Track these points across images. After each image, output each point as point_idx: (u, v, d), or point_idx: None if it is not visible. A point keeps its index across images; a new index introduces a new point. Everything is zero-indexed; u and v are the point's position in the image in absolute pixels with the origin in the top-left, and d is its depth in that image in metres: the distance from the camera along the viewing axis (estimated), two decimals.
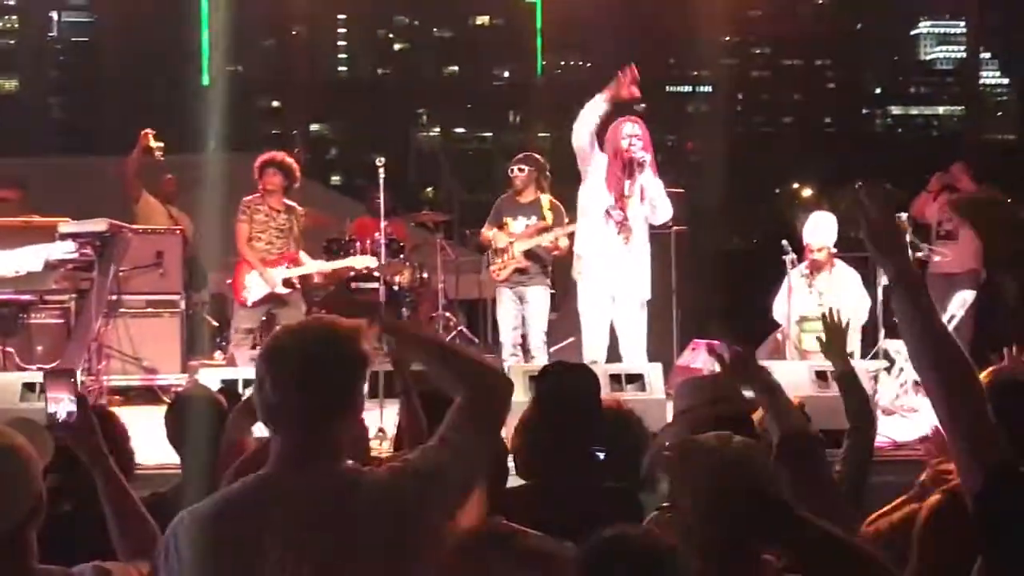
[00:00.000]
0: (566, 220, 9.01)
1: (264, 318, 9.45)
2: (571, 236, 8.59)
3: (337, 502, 2.50)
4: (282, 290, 9.19)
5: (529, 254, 9.07)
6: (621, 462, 3.75)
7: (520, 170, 9.26)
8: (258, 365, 2.61)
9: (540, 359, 8.88)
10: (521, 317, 9.11)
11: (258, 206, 9.28)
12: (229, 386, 6.54)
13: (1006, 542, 2.57)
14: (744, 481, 2.52)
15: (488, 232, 9.32)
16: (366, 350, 2.65)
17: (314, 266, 9.48)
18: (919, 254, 9.24)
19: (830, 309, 8.60)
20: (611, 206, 7.85)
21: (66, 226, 8.55)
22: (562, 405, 3.88)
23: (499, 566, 2.74)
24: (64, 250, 8.24)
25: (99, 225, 8.54)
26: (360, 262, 9.83)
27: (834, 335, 4.25)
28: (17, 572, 2.60)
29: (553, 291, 9.33)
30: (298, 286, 9.43)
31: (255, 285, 9.20)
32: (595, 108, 7.81)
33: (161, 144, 10.26)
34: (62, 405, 2.96)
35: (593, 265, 7.99)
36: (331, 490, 2.52)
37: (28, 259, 7.98)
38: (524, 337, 9.10)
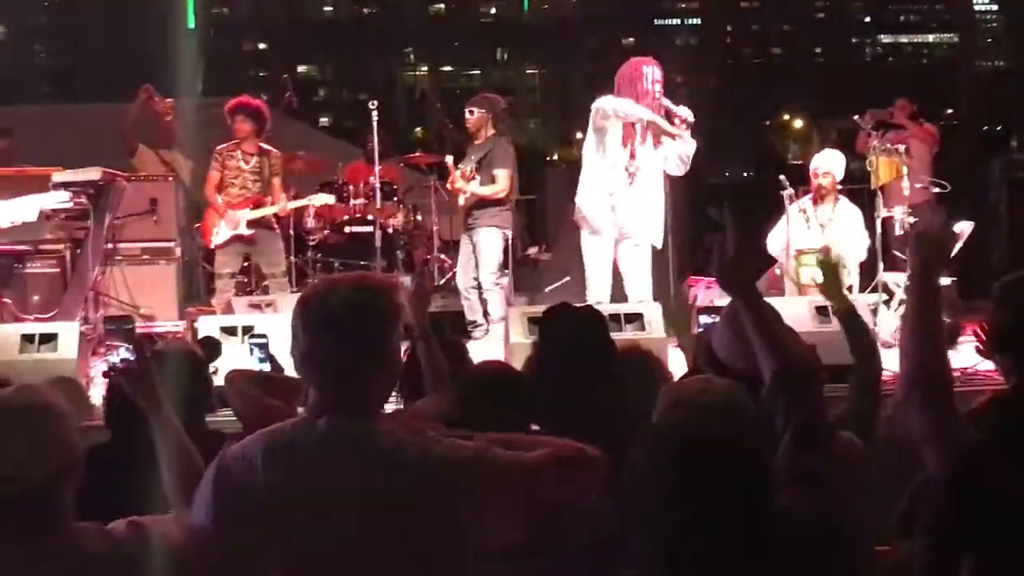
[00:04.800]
0: (503, 164, 8.92)
1: (246, 263, 9.54)
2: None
3: (355, 455, 2.50)
4: (246, 231, 9.24)
5: (470, 198, 9.04)
6: (638, 405, 3.73)
7: (470, 113, 9.20)
8: (294, 314, 2.60)
9: (493, 301, 8.90)
10: (474, 260, 9.10)
11: (231, 152, 9.35)
12: (209, 337, 6.56)
13: (985, 522, 2.59)
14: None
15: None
16: (400, 304, 2.64)
17: (273, 207, 9.48)
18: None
19: (823, 248, 8.68)
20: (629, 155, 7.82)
21: (60, 175, 8.50)
22: (569, 347, 3.86)
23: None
24: (58, 199, 8.19)
25: (93, 174, 8.49)
26: (319, 200, 9.94)
27: (829, 273, 4.21)
28: (51, 530, 2.59)
29: (507, 231, 9.25)
30: (274, 227, 9.46)
31: (222, 227, 9.26)
32: (636, 113, 7.72)
33: (170, 100, 10.30)
34: (119, 352, 2.98)
35: (596, 210, 7.97)
36: (352, 442, 2.52)
37: (23, 209, 7.92)
38: (476, 279, 9.10)
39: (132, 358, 3.01)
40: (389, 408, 4.71)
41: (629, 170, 7.87)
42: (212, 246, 9.38)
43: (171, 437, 2.94)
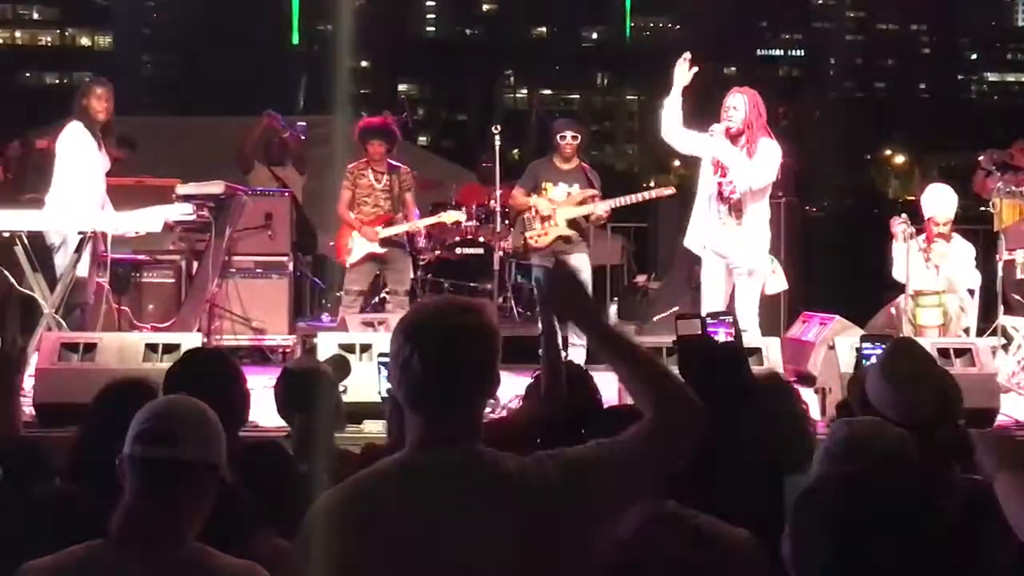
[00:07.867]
0: (597, 186, 9.13)
1: (372, 280, 9.60)
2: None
3: (477, 485, 2.44)
4: (380, 249, 9.32)
5: (572, 222, 9.05)
6: (772, 436, 3.67)
7: (574, 137, 9.20)
8: (398, 343, 2.47)
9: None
10: None
11: (362, 171, 9.41)
12: (339, 356, 6.56)
13: None
14: None
15: (522, 196, 9.18)
16: (497, 326, 2.55)
17: (407, 224, 9.54)
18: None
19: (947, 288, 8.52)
20: (719, 182, 7.85)
21: (184, 188, 8.62)
22: (707, 380, 3.81)
23: (672, 548, 2.67)
24: (182, 211, 8.30)
25: (216, 187, 8.60)
26: (449, 217, 9.95)
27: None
28: (181, 535, 2.65)
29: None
30: (405, 245, 9.55)
31: (356, 245, 9.32)
32: (671, 104, 7.84)
33: (303, 124, 10.50)
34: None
35: (702, 238, 8.01)
36: (472, 473, 2.46)
37: (148, 220, 8.03)
38: None
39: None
40: None
41: (723, 199, 7.86)
42: (348, 264, 9.43)
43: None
